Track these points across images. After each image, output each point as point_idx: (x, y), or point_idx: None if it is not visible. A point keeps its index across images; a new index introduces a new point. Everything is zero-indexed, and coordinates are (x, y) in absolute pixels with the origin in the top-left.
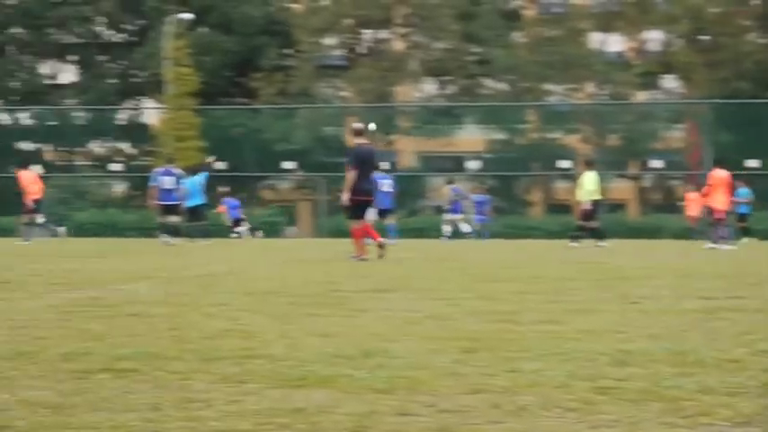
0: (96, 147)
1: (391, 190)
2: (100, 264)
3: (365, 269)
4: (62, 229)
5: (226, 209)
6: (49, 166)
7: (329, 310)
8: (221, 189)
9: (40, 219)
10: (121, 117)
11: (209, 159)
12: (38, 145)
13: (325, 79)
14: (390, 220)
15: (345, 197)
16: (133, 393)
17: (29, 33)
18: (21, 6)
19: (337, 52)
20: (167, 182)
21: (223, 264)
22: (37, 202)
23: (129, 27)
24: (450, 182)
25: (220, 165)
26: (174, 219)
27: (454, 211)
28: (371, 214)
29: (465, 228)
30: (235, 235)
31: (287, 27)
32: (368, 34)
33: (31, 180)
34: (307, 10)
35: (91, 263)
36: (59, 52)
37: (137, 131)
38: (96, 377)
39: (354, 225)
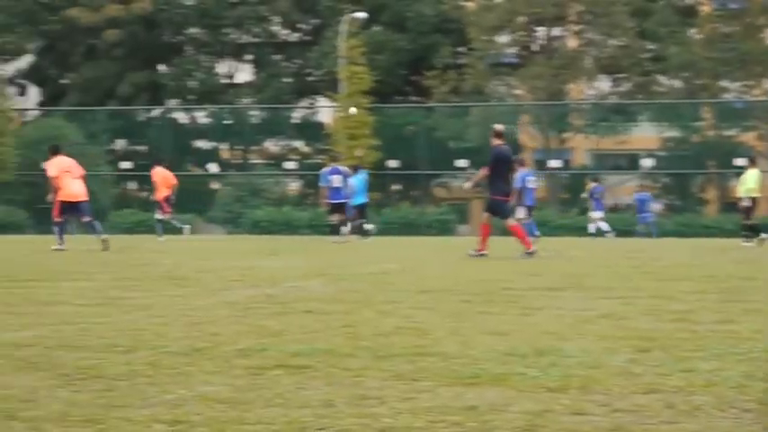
0: (271, 145)
1: (536, 187)
2: (274, 261)
3: (537, 267)
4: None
5: None
6: (224, 165)
7: (501, 308)
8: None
9: (158, 215)
10: (296, 115)
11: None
12: (214, 143)
13: (498, 77)
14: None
15: (467, 185)
16: (307, 390)
17: (206, 33)
18: (199, 7)
19: (510, 50)
20: (336, 180)
21: (395, 261)
22: (167, 199)
23: (304, 26)
24: (594, 180)
25: (393, 163)
26: (342, 217)
27: (598, 208)
28: (521, 213)
29: (597, 227)
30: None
31: (460, 25)
32: (541, 32)
33: (162, 178)
34: (480, 8)
35: (265, 260)
36: (236, 52)
37: (311, 130)
38: (271, 373)
39: (485, 221)
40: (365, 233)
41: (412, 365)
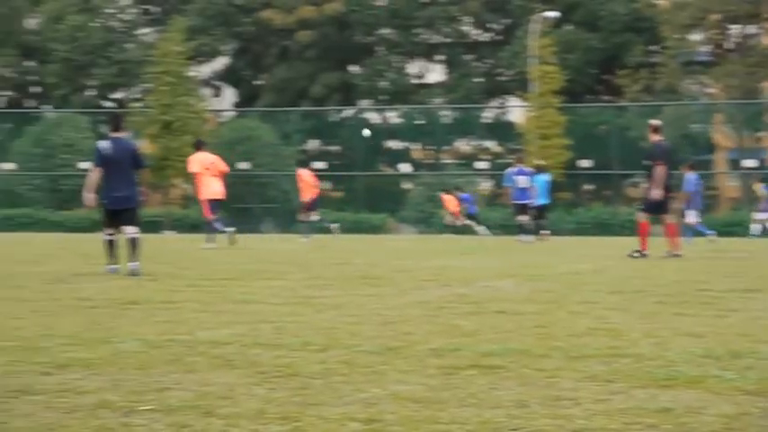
0: (462, 145)
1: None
2: (465, 261)
3: (732, 268)
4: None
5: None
6: (416, 165)
7: (697, 309)
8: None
9: (314, 216)
10: (487, 115)
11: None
12: (406, 143)
13: (691, 76)
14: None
15: (655, 193)
16: (500, 390)
17: (397, 34)
18: (390, 7)
19: (704, 48)
20: (521, 181)
21: (588, 262)
22: (313, 201)
23: (495, 26)
24: (761, 180)
25: (585, 163)
26: (528, 217)
27: (765, 210)
28: (693, 216)
29: (763, 227)
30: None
31: (653, 23)
32: (735, 29)
33: (307, 179)
34: (673, 6)
35: (457, 260)
36: (427, 52)
37: (502, 129)
38: (464, 373)
39: (643, 219)
40: (540, 232)
41: (606, 367)
